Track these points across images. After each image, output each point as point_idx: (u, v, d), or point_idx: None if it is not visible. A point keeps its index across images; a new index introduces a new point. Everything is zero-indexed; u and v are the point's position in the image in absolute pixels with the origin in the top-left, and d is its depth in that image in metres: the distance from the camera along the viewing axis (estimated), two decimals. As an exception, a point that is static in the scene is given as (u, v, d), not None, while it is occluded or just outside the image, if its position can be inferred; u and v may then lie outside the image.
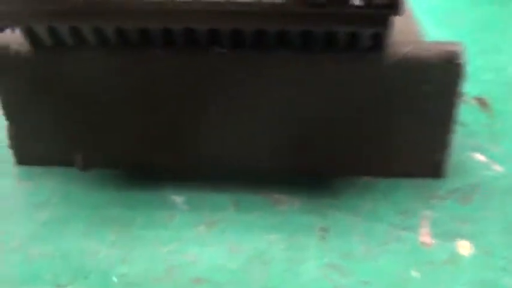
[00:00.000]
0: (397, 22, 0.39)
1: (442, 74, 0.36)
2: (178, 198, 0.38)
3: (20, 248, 0.34)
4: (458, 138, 0.43)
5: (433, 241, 0.35)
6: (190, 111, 0.38)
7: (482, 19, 0.62)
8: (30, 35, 0.35)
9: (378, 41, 0.35)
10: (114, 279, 0.32)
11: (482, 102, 0.47)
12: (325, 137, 0.38)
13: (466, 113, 0.46)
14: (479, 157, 0.42)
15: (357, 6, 0.32)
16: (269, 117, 0.37)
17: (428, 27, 0.59)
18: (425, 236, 0.35)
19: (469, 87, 0.48)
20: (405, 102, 0.37)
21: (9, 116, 0.39)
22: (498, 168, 0.41)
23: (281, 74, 0.36)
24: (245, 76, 0.37)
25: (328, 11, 0.32)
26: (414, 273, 0.33)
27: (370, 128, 0.38)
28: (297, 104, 0.37)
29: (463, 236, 0.35)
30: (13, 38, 0.37)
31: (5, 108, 0.38)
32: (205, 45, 0.35)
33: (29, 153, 0.40)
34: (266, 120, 0.38)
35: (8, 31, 0.37)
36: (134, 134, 0.39)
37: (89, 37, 0.35)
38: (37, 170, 0.40)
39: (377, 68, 0.36)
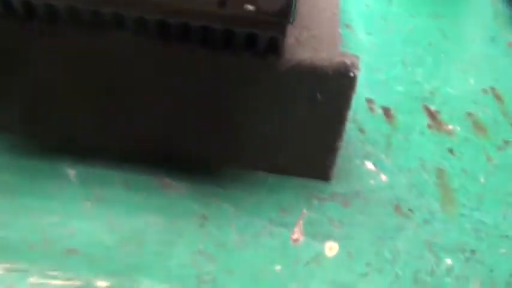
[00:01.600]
0: (314, 27, 0.41)
1: (335, 84, 0.38)
2: (70, 171, 0.39)
3: None
4: (355, 143, 0.46)
5: (303, 239, 0.37)
6: (98, 91, 0.39)
7: (415, 31, 0.64)
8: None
9: (274, 46, 0.36)
10: (-9, 242, 0.34)
11: (387, 113, 0.50)
12: (218, 130, 0.40)
13: (369, 120, 0.48)
14: (369, 165, 0.44)
15: (250, 11, 0.33)
16: (166, 105, 0.39)
17: (358, 32, 0.61)
18: (297, 233, 0.37)
19: (379, 96, 0.51)
20: (298, 107, 0.39)
21: None
22: (384, 178, 0.43)
23: (180, 64, 0.38)
24: (149, 64, 0.38)
25: (227, 11, 0.34)
26: (277, 268, 0.35)
27: (263, 125, 0.40)
28: (192, 95, 0.38)
29: (332, 238, 0.38)
30: None
31: None
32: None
33: None
34: (163, 107, 0.39)
35: None
36: (28, 100, 0.39)
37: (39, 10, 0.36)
38: None
39: (272, 72, 0.37)
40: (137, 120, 0.40)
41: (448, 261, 0.37)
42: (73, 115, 0.40)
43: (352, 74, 0.37)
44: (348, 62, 0.37)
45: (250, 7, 0.33)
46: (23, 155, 0.39)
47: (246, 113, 0.39)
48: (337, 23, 0.44)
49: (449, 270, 0.37)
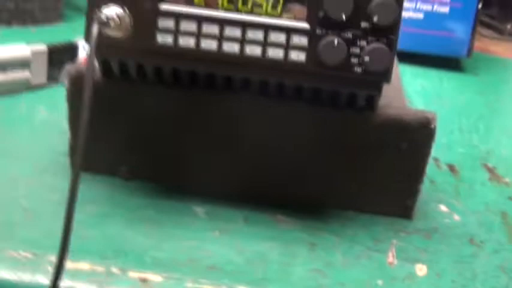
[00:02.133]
0: (389, 92, 0.50)
1: (417, 134, 0.47)
2: (199, 209, 0.47)
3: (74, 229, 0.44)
4: (428, 192, 0.54)
5: (397, 262, 0.45)
6: (213, 146, 0.48)
7: (465, 104, 0.73)
8: (104, 66, 0.46)
9: (371, 103, 0.45)
10: (148, 259, 0.42)
11: (452, 169, 0.58)
12: (323, 176, 0.48)
13: (437, 175, 0.57)
14: (443, 208, 0.52)
15: (357, 73, 0.42)
16: (282, 156, 0.48)
17: (417, 106, 0.70)
18: (391, 258, 0.45)
19: (444, 156, 0.59)
20: (386, 155, 0.48)
21: (72, 129, 0.49)
22: (457, 217, 0.51)
23: (294, 120, 0.47)
24: (267, 120, 0.47)
25: (335, 73, 0.43)
26: (379, 282, 0.43)
27: (357, 171, 0.48)
28: (304, 148, 0.47)
29: (421, 261, 0.45)
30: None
31: (70, 122, 0.48)
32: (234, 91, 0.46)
33: (84, 162, 0.50)
34: (280, 158, 0.48)
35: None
36: (168, 155, 0.49)
37: (150, 75, 0.46)
38: (90, 176, 0.49)
39: (367, 125, 0.46)
40: (258, 168, 0.48)
41: (520, 280, 0.44)
42: (202, 166, 0.49)
43: (432, 126, 0.46)
44: (429, 116, 0.46)
45: (358, 69, 0.42)
46: (163, 196, 0.48)
47: (347, 162, 0.48)
48: (401, 91, 0.53)
49: (521, 286, 0.44)
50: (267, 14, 0.42)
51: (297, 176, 0.48)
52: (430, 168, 0.57)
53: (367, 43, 0.42)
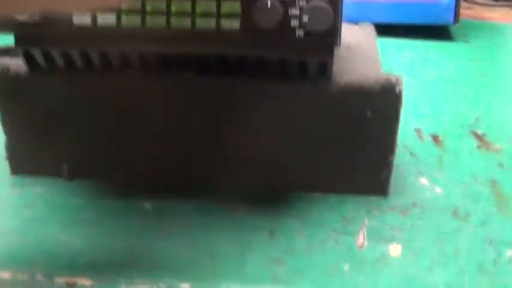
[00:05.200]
0: (362, 64, 0.45)
1: (381, 101, 0.41)
2: (147, 205, 0.43)
3: (3, 236, 0.39)
4: (407, 165, 0.48)
5: (367, 244, 0.39)
6: (156, 136, 0.43)
7: (453, 72, 0.67)
8: (27, 58, 0.41)
9: (324, 70, 0.40)
10: (80, 263, 0.37)
11: (436, 139, 0.52)
12: (282, 158, 0.43)
13: (419, 146, 0.51)
14: (423, 181, 0.46)
15: (299, 36, 0.37)
16: (224, 138, 0.43)
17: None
18: (361, 239, 0.40)
19: (427, 126, 0.54)
20: (350, 127, 0.42)
21: (6, 131, 0.44)
22: (439, 190, 0.45)
23: (235, 99, 0.42)
24: (209, 104, 0.42)
25: (275, 39, 0.38)
26: (345, 267, 0.37)
27: (321, 148, 0.43)
28: (251, 125, 0.42)
29: (395, 241, 0.40)
30: (13, 60, 0.43)
31: (3, 123, 0.44)
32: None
33: (22, 164, 0.45)
34: (224, 141, 0.43)
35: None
36: (112, 149, 0.44)
37: (77, 62, 0.41)
38: (29, 179, 0.45)
39: (323, 95, 0.41)
40: (208, 155, 0.43)
41: (509, 252, 0.39)
42: (146, 158, 0.44)
43: (397, 90, 0.41)
44: (393, 79, 0.41)
45: (299, 32, 0.37)
46: (107, 195, 0.43)
47: (309, 139, 0.42)
48: (378, 59, 0.48)
49: (510, 259, 0.38)
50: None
51: (254, 160, 0.43)
52: (410, 139, 0.52)
53: (307, 2, 0.37)
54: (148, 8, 0.38)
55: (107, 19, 0.38)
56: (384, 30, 0.63)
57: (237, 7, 0.37)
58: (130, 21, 0.38)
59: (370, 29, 0.56)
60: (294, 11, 0.37)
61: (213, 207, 0.42)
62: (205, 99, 0.42)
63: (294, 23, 0.37)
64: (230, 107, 0.42)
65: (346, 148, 0.43)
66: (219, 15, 0.38)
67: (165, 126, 0.43)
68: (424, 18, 0.74)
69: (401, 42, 0.74)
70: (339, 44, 0.39)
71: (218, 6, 0.37)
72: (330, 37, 0.38)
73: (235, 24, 0.38)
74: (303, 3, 0.37)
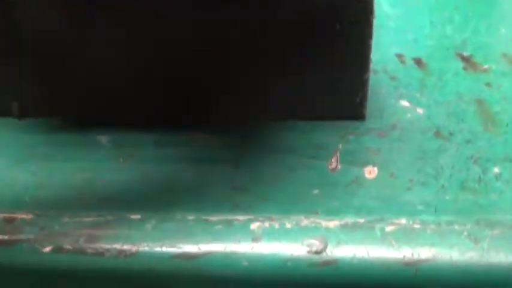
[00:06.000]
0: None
1: (350, 11, 0.37)
2: (102, 138, 0.39)
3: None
4: (387, 89, 0.44)
5: (341, 167, 0.36)
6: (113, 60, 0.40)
7: None
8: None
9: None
10: (26, 198, 0.34)
11: (419, 62, 0.48)
12: (247, 82, 0.39)
13: (400, 70, 0.47)
14: (404, 103, 0.42)
15: None
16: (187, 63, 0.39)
17: (382, 5, 0.61)
18: (334, 163, 0.36)
19: (409, 51, 0.50)
20: (319, 44, 0.38)
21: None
22: (420, 111, 0.41)
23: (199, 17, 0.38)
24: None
25: None
26: (315, 191, 0.34)
27: (287, 68, 0.39)
28: (213, 47, 0.38)
29: (371, 163, 0.36)
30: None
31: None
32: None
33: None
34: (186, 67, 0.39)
35: None
36: (60, 81, 0.40)
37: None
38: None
39: (285, 6, 0.37)
40: (170, 82, 0.40)
41: (496, 169, 0.35)
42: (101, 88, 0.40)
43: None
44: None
45: None
46: (60, 131, 0.40)
47: (273, 58, 0.39)
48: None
49: (498, 176, 0.35)
50: None
51: (217, 87, 0.40)
52: (391, 64, 0.48)
53: None
54: None
55: None
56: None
57: None
58: None
59: None
60: None
61: (174, 138, 0.39)
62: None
63: None
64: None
65: (317, 68, 0.39)
66: None
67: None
68: None
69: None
70: None
71: None
72: None
73: None
74: None
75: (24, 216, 0.32)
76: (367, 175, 0.35)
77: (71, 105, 0.41)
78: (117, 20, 0.38)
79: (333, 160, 0.37)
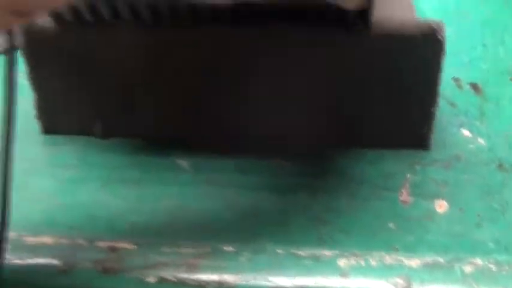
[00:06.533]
0: (395, 9, 0.43)
1: (423, 49, 0.39)
2: (183, 162, 0.42)
3: (42, 199, 0.39)
4: (448, 116, 0.47)
5: (412, 200, 0.38)
6: (207, 88, 0.42)
7: (489, 17, 0.65)
8: (54, 13, 0.40)
9: (364, 17, 0.38)
10: (121, 225, 0.37)
11: (475, 87, 0.51)
12: (321, 114, 0.42)
13: (458, 96, 0.50)
14: (465, 132, 0.45)
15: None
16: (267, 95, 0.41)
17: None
18: (404, 195, 0.39)
19: (465, 75, 0.52)
20: (390, 77, 0.41)
21: (35, 88, 0.43)
22: (481, 141, 0.44)
23: (275, 50, 0.40)
24: (248, 56, 0.40)
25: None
26: (390, 225, 0.36)
27: (359, 101, 0.41)
28: (286, 81, 0.41)
29: (440, 196, 0.39)
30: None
31: (31, 80, 0.43)
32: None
33: (54, 123, 0.44)
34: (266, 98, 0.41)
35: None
36: (146, 106, 0.43)
37: (105, 14, 0.40)
38: (61, 138, 0.44)
39: (362, 43, 0.39)
40: (249, 114, 0.42)
41: (560, 205, 0.38)
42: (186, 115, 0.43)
43: (440, 37, 0.39)
44: (435, 25, 0.39)
45: None
46: (143, 153, 0.42)
47: (346, 91, 0.41)
48: (411, 6, 0.46)
49: (562, 213, 0.37)
50: None
51: (293, 119, 0.42)
52: (449, 89, 0.50)
53: None
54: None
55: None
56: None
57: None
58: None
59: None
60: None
61: (253, 164, 0.41)
62: (235, 52, 0.40)
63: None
64: (262, 60, 0.40)
65: (386, 101, 0.41)
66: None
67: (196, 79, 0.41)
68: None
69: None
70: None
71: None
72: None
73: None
74: None
75: (126, 246, 0.35)
76: (437, 209, 0.38)
77: (151, 127, 0.44)
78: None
79: (403, 191, 0.39)
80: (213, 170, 0.41)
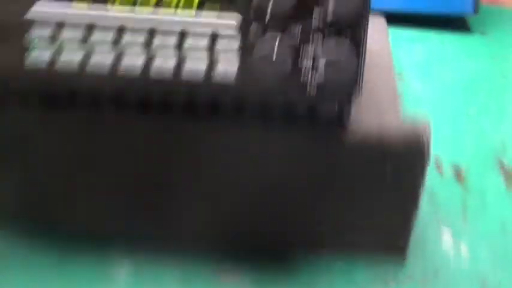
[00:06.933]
0: (370, 88, 0.38)
1: (404, 156, 0.34)
2: (121, 270, 0.36)
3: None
4: (427, 211, 0.42)
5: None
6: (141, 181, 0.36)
7: (472, 74, 0.60)
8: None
9: (340, 117, 0.33)
10: None
11: (458, 174, 0.45)
12: (286, 213, 0.36)
13: (439, 183, 0.44)
14: (446, 236, 0.40)
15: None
16: (221, 191, 0.36)
17: (411, 82, 0.57)
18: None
19: (447, 153, 0.47)
20: (366, 184, 0.35)
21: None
22: (464, 249, 0.39)
23: (236, 144, 0.34)
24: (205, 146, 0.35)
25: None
26: None
27: (331, 205, 0.36)
28: (253, 177, 0.35)
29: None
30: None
31: None
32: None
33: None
34: (216, 194, 0.36)
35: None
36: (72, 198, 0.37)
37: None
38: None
39: (336, 147, 0.34)
40: (199, 210, 0.36)
41: None
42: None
43: (424, 145, 0.34)
44: (418, 131, 0.33)
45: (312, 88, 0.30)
46: (69, 255, 0.36)
47: (317, 193, 0.35)
48: (394, 81, 0.40)
49: None
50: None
51: (252, 215, 0.36)
52: (429, 173, 0.44)
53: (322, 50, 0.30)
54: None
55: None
56: (395, 19, 0.56)
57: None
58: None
59: (382, 25, 0.48)
60: (306, 63, 0.30)
61: (200, 270, 0.36)
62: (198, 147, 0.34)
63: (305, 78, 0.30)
64: (234, 155, 0.34)
65: (361, 207, 0.36)
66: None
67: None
68: (441, 7, 0.65)
69: (413, 34, 0.66)
70: (360, 94, 0.32)
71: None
72: (349, 90, 0.31)
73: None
74: (318, 50, 0.30)
75: None
76: None
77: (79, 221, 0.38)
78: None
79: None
80: (153, 280, 0.35)
